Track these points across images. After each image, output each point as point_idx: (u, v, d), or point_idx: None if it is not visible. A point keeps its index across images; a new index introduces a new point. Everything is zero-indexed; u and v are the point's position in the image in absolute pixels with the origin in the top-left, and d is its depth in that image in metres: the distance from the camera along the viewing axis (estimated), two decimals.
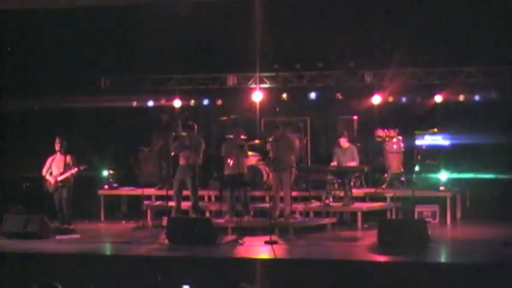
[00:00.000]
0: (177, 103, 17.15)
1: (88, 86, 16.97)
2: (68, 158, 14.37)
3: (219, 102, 17.22)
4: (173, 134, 15.82)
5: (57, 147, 14.40)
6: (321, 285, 10.95)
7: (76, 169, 14.29)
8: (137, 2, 16.02)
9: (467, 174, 15.70)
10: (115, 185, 16.54)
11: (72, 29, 16.57)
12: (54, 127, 15.93)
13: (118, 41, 16.85)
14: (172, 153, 14.76)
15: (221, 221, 14.36)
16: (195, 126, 14.71)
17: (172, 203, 14.55)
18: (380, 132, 16.24)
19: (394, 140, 16.05)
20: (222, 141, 15.25)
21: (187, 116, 15.87)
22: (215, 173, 16.15)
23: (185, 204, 14.69)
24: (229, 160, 14.40)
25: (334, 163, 15.14)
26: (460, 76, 16.06)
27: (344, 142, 15.26)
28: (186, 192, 14.65)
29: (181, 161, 14.46)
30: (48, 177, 14.34)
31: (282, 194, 14.28)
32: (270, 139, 14.73)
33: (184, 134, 15.11)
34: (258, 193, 15.56)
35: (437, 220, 14.89)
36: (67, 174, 14.28)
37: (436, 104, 16.36)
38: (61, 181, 14.29)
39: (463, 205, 15.65)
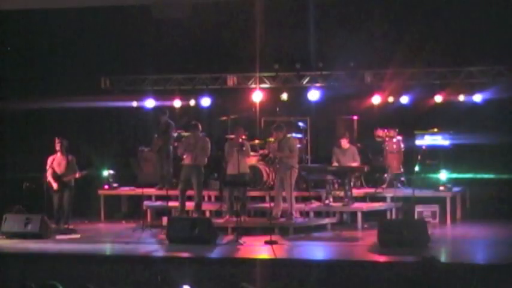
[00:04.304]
0: (177, 103, 17.15)
1: (88, 86, 16.97)
2: (70, 157, 14.37)
3: (219, 102, 17.22)
4: (175, 134, 15.82)
5: (57, 147, 14.39)
6: (321, 285, 10.95)
7: (81, 173, 14.29)
8: (138, 2, 16.03)
9: (467, 174, 15.70)
10: (115, 185, 16.53)
11: (73, 29, 16.58)
12: (54, 127, 15.94)
13: (118, 41, 16.86)
14: (180, 154, 14.65)
15: (221, 221, 14.36)
16: (199, 126, 14.70)
17: (172, 203, 14.54)
18: (380, 132, 16.23)
19: (394, 140, 16.05)
20: (223, 142, 15.23)
21: (187, 120, 15.85)
22: (215, 173, 16.14)
23: (187, 205, 14.70)
24: (230, 160, 14.38)
25: (335, 164, 15.13)
26: (460, 76, 16.06)
27: (345, 143, 15.26)
28: (189, 192, 14.64)
29: (187, 161, 14.44)
30: (50, 178, 14.32)
31: (284, 194, 14.28)
32: (271, 139, 14.75)
33: (186, 134, 15.13)
34: (258, 193, 15.56)
35: (437, 220, 14.88)
36: (72, 176, 14.27)
37: (436, 104, 16.35)
38: (64, 182, 14.28)
39: (463, 205, 15.65)
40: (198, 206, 14.54)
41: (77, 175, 14.30)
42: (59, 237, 13.85)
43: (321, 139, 17.10)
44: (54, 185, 14.23)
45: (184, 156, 14.48)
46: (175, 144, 15.53)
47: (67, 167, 14.32)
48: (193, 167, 14.36)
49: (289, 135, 15.02)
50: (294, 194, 14.68)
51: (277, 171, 14.40)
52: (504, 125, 15.60)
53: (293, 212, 14.24)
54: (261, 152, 15.38)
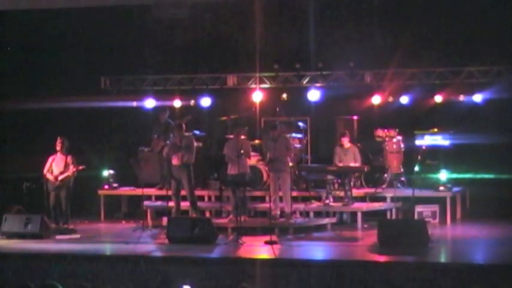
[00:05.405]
0: (177, 103, 17.16)
1: (88, 86, 16.97)
2: (69, 158, 14.38)
3: (219, 102, 17.21)
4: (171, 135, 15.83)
5: (58, 147, 14.41)
6: (321, 285, 10.95)
7: (75, 169, 14.30)
8: (137, 2, 16.04)
9: (467, 174, 15.70)
10: (115, 185, 16.53)
11: (72, 29, 16.58)
12: (54, 127, 15.94)
13: (118, 41, 16.86)
14: (166, 155, 14.71)
15: (221, 221, 14.37)
16: (183, 126, 14.71)
17: (172, 203, 14.55)
18: (380, 132, 16.23)
19: (394, 140, 16.05)
20: (223, 141, 15.23)
21: (189, 119, 15.85)
22: (215, 173, 16.14)
23: (185, 205, 14.69)
24: (230, 160, 14.39)
25: (339, 163, 15.12)
26: (460, 76, 16.06)
27: (346, 142, 15.26)
28: (184, 192, 14.65)
29: (175, 161, 14.46)
30: (48, 175, 14.35)
31: (280, 193, 14.29)
32: (267, 139, 14.77)
33: (186, 134, 15.14)
34: (258, 193, 15.56)
35: (437, 220, 14.88)
36: (67, 173, 14.29)
37: (436, 104, 16.35)
38: (61, 180, 14.30)
39: (463, 205, 15.65)
40: (193, 205, 14.49)
41: (73, 170, 14.27)
42: (59, 237, 13.85)
43: (321, 139, 17.09)
44: (51, 177, 14.22)
45: (172, 158, 14.48)
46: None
47: (65, 167, 14.33)
48: (181, 167, 14.35)
49: (288, 135, 15.06)
50: (294, 193, 14.70)
51: (273, 171, 14.39)
52: (504, 125, 15.59)
53: (290, 211, 14.23)
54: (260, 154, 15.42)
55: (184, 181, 14.37)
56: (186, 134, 14.82)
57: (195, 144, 14.71)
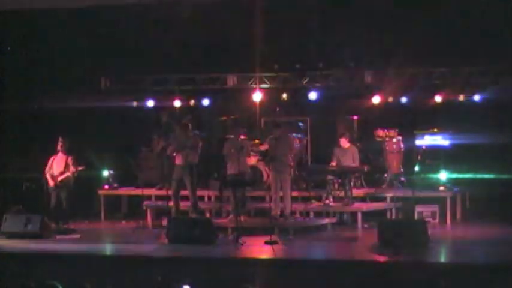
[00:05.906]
0: (177, 103, 17.16)
1: (88, 86, 16.97)
2: (69, 158, 14.39)
3: (219, 102, 17.21)
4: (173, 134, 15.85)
5: (59, 146, 14.41)
6: (321, 285, 10.96)
7: (75, 169, 14.31)
8: (137, 2, 16.04)
9: (467, 174, 15.70)
10: (115, 185, 16.54)
11: (73, 29, 16.58)
12: (54, 127, 15.94)
13: (118, 41, 16.86)
14: (170, 153, 14.72)
15: (221, 221, 14.37)
16: (190, 125, 14.72)
17: (172, 203, 14.55)
18: (380, 132, 16.24)
19: (394, 140, 16.06)
20: (223, 141, 15.25)
21: (190, 119, 15.86)
22: (215, 173, 16.14)
23: (184, 205, 14.70)
24: (230, 160, 14.40)
25: (333, 163, 15.13)
26: (460, 76, 16.06)
27: (344, 142, 15.25)
28: (184, 192, 14.65)
29: (178, 161, 14.45)
30: (48, 176, 14.35)
31: (281, 193, 14.30)
32: (269, 138, 14.78)
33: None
34: (258, 193, 15.56)
35: (437, 220, 14.88)
36: (66, 174, 14.29)
37: (436, 104, 16.36)
38: (61, 181, 14.30)
39: (463, 205, 15.65)
40: (194, 206, 14.50)
41: (73, 170, 14.28)
42: (59, 237, 13.86)
43: (321, 139, 17.08)
44: (51, 182, 14.26)
45: (175, 155, 14.47)
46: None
47: (65, 168, 14.34)
48: (185, 167, 14.35)
49: (289, 135, 15.08)
50: (294, 193, 14.69)
51: (273, 170, 14.40)
52: (504, 125, 15.59)
53: (290, 211, 14.23)
54: (261, 147, 15.38)
55: (187, 181, 14.37)
56: (192, 133, 14.84)
57: (200, 144, 14.71)
